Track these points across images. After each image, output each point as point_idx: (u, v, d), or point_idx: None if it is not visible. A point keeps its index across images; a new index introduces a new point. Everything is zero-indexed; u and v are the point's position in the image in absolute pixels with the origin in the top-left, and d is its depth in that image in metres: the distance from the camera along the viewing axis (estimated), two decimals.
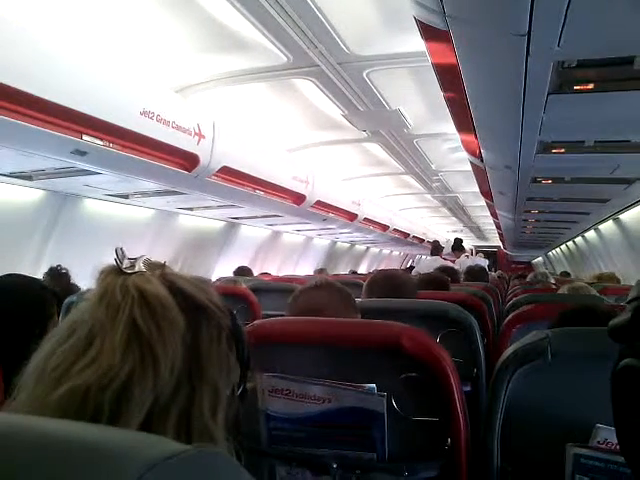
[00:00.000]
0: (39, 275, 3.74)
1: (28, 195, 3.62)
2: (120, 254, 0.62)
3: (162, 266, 0.63)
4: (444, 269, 4.10)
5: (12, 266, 3.57)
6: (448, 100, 2.71)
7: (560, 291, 2.86)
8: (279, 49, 2.87)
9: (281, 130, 4.42)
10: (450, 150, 5.16)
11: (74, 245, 4.02)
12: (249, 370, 0.65)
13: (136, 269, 0.60)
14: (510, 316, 1.90)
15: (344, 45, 2.87)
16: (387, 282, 2.03)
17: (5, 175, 3.18)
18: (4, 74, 1.99)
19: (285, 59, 2.99)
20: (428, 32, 1.85)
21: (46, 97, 2.19)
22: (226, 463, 0.37)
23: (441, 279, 2.80)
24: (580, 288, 2.74)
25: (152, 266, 0.62)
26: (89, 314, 0.57)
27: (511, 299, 2.91)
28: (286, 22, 2.55)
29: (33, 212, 3.71)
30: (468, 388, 1.56)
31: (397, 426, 0.95)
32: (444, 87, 2.50)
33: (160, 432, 0.52)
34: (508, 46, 1.64)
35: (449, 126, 4.07)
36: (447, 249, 8.34)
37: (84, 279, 3.97)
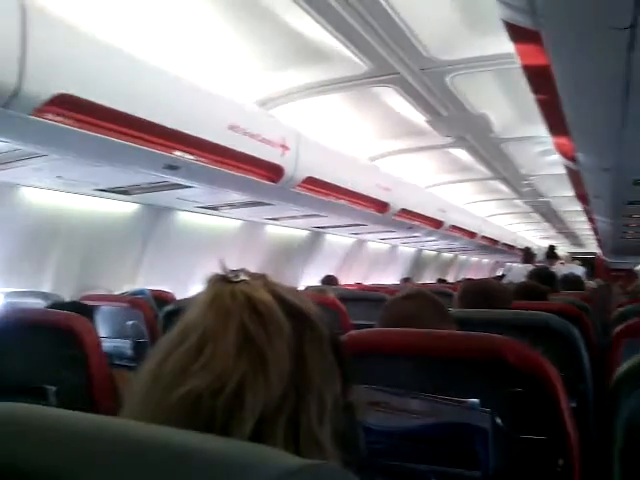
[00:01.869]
0: (138, 281, 3.99)
1: (126, 209, 3.84)
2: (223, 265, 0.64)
3: (263, 276, 0.65)
4: (538, 272, 3.89)
5: (115, 274, 3.82)
6: (539, 102, 2.59)
7: None
8: (359, 58, 2.87)
9: (363, 138, 4.41)
10: (541, 153, 4.93)
11: (168, 255, 4.22)
12: (351, 382, 0.65)
13: (240, 279, 0.62)
14: (621, 327, 1.75)
15: (425, 51, 2.82)
16: (480, 292, 1.98)
17: (104, 190, 3.39)
18: (103, 96, 2.12)
19: (366, 68, 2.99)
20: (517, 33, 1.78)
21: (141, 115, 2.31)
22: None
23: (539, 289, 2.63)
24: None
25: (253, 276, 0.64)
26: (200, 320, 0.59)
27: (614, 309, 2.71)
28: (366, 31, 2.55)
29: (131, 225, 3.94)
30: (573, 404, 1.47)
31: (501, 443, 0.91)
32: (535, 89, 2.40)
33: (270, 439, 0.52)
34: (607, 41, 1.54)
35: (539, 129, 3.90)
36: (539, 257, 7.96)
37: (178, 284, 4.19)
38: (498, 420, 0.91)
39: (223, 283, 0.61)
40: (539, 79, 2.22)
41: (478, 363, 0.96)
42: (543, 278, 3.35)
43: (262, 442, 0.50)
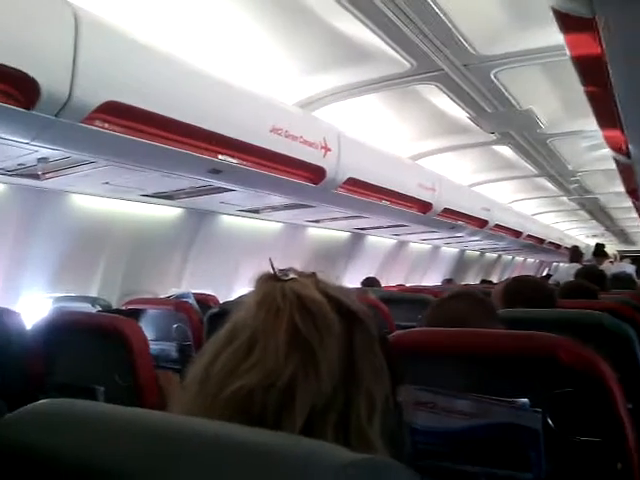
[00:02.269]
0: (185, 280, 4.05)
1: (170, 213, 3.90)
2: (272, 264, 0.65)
3: (313, 275, 0.65)
4: (587, 271, 3.75)
5: (160, 278, 3.88)
6: (589, 94, 2.50)
7: None
8: (402, 56, 2.83)
9: (404, 137, 4.36)
10: (589, 148, 4.76)
11: (210, 258, 4.27)
12: (400, 382, 0.66)
13: (290, 277, 0.63)
14: None
15: (470, 46, 2.76)
16: (522, 290, 1.93)
17: (149, 195, 3.45)
18: (149, 102, 2.15)
19: (409, 65, 2.94)
20: (568, 22, 1.71)
21: (186, 120, 2.33)
22: (406, 474, 0.38)
23: (588, 288, 2.54)
24: None
25: (302, 275, 0.64)
26: (250, 318, 0.59)
27: None
28: (409, 28, 2.52)
29: (175, 229, 3.99)
30: (629, 406, 1.41)
31: (553, 445, 0.88)
32: (585, 81, 2.31)
33: (320, 436, 0.53)
34: None
35: (588, 122, 3.77)
36: (587, 255, 7.73)
37: (220, 287, 4.24)
38: (549, 421, 0.88)
39: (273, 281, 0.62)
40: (590, 70, 2.14)
41: (528, 362, 0.94)
42: (592, 277, 3.24)
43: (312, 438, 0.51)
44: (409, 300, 3.00)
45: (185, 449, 0.37)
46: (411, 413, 0.95)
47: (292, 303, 0.58)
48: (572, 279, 3.78)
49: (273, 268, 0.63)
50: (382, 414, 0.59)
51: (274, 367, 0.54)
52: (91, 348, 1.63)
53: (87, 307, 3.11)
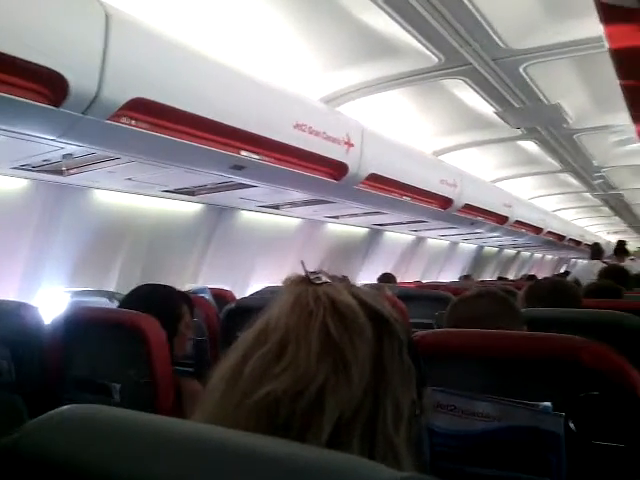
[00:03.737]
0: (201, 275, 4.05)
1: (190, 209, 3.89)
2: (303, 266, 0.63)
3: (345, 278, 0.64)
4: (611, 270, 3.67)
5: (177, 273, 3.88)
6: (625, 88, 2.44)
7: None
8: (430, 50, 2.78)
9: (428, 132, 4.31)
10: (617, 143, 4.67)
11: (228, 253, 4.26)
12: (425, 386, 0.64)
13: (322, 280, 0.61)
14: None
15: (500, 40, 2.70)
16: (549, 290, 1.94)
17: (171, 191, 3.44)
18: (174, 98, 2.12)
19: (436, 60, 2.89)
20: (611, 13, 1.66)
21: (210, 116, 2.31)
22: None
23: (613, 288, 2.51)
24: None
25: (334, 278, 0.63)
26: (282, 321, 0.58)
27: None
28: (438, 22, 2.46)
29: (194, 224, 3.99)
30: None
31: (574, 450, 0.85)
32: (622, 74, 2.25)
33: (347, 443, 0.52)
34: None
35: (617, 117, 3.70)
36: (608, 252, 7.60)
37: (238, 280, 4.23)
38: (572, 425, 0.86)
39: (305, 284, 0.60)
40: (629, 63, 2.10)
41: (551, 365, 0.92)
42: (616, 276, 3.18)
43: (339, 446, 0.50)
44: (426, 297, 2.98)
45: (213, 463, 0.36)
46: (430, 415, 0.93)
47: (325, 307, 0.57)
48: (593, 277, 3.72)
49: (305, 270, 0.62)
50: (408, 420, 0.58)
51: (305, 372, 0.53)
52: (109, 344, 1.62)
53: (105, 301, 3.10)
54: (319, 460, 0.36)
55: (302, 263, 0.63)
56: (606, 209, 9.02)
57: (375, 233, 5.98)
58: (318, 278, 0.61)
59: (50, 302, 2.99)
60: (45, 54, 1.56)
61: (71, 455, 0.39)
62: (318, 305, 0.57)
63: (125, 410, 0.44)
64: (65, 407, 0.44)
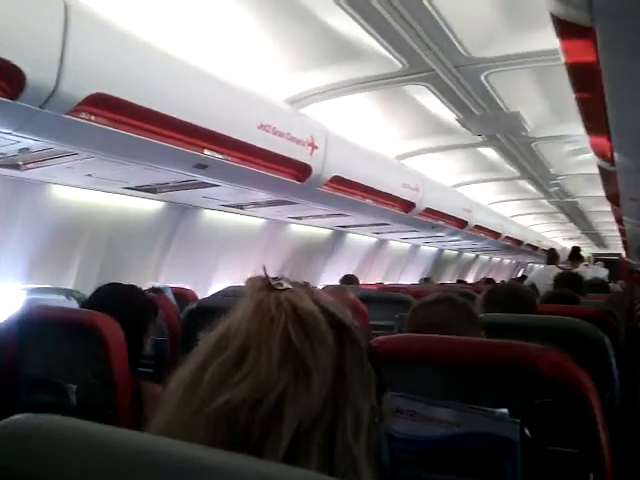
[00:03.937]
0: (162, 273, 3.99)
1: (151, 206, 3.83)
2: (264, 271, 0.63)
3: (306, 285, 0.63)
4: (566, 277, 3.77)
5: (138, 271, 3.81)
6: (579, 101, 2.51)
7: None
8: (394, 56, 2.81)
9: (391, 137, 4.35)
10: (572, 152, 4.82)
11: (190, 252, 4.22)
12: (384, 393, 0.63)
13: (284, 286, 0.61)
14: None
15: (461, 47, 2.75)
16: (507, 295, 1.96)
17: (132, 189, 3.38)
18: (135, 94, 2.09)
19: (400, 65, 2.92)
20: (566, 29, 1.71)
21: (173, 114, 2.28)
22: None
23: (570, 297, 2.59)
24: None
25: (295, 284, 0.62)
26: (243, 326, 0.57)
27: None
28: (402, 27, 2.49)
29: (155, 222, 3.93)
30: None
31: (529, 456, 0.87)
32: (577, 88, 2.32)
33: (306, 452, 0.51)
34: None
35: (573, 127, 3.81)
36: (563, 257, 7.83)
37: (200, 279, 4.17)
38: (527, 431, 0.88)
39: (267, 290, 0.60)
40: (583, 77, 2.15)
41: (508, 372, 0.93)
42: (571, 282, 3.27)
43: (297, 456, 0.50)
44: (387, 299, 3.00)
45: (161, 477, 0.35)
46: (390, 420, 0.94)
47: (287, 314, 0.56)
48: (549, 281, 3.83)
49: (267, 276, 0.61)
50: (367, 428, 0.58)
51: (266, 380, 0.52)
52: (66, 344, 1.57)
53: (62, 299, 3.02)
54: (273, 476, 0.35)
55: (264, 268, 0.63)
56: (562, 216, 9.28)
57: (338, 235, 6.01)
58: (280, 284, 0.61)
59: (5, 299, 2.90)
60: (1, 45, 1.52)
61: (18, 468, 0.38)
62: (280, 311, 0.56)
63: (77, 420, 0.43)
64: (17, 417, 0.43)
